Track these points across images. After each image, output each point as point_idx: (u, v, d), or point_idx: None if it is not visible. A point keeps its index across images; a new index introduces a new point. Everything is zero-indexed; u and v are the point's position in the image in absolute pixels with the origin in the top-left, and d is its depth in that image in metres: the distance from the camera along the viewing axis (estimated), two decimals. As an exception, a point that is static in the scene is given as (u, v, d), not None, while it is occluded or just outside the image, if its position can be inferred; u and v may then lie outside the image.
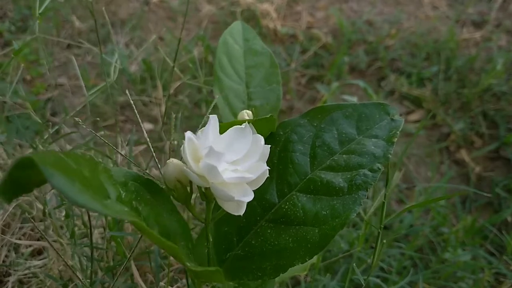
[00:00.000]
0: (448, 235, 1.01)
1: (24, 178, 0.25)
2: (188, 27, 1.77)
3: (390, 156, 0.41)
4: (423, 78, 1.47)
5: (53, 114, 1.39)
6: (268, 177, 0.44)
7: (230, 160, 0.35)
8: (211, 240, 0.41)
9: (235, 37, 0.57)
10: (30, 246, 0.88)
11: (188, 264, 0.30)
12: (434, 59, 1.52)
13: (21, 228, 0.90)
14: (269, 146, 0.36)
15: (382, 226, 0.44)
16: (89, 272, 0.68)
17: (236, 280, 0.42)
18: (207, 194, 0.37)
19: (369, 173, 0.41)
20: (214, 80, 0.53)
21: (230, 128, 0.36)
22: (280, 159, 0.44)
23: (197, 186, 0.37)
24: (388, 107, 0.44)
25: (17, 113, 1.28)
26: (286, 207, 0.42)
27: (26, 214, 0.91)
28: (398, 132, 0.42)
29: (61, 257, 0.46)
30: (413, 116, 1.40)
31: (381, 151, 0.41)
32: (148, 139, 0.45)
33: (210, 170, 0.32)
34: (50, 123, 0.75)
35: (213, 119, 0.34)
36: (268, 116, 0.40)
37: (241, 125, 0.36)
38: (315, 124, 0.45)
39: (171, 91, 1.40)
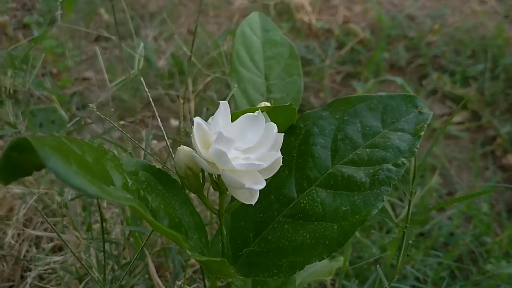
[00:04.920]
0: (491, 245, 0.98)
1: (22, 160, 0.26)
2: (219, 21, 1.79)
3: (416, 151, 0.40)
4: (467, 77, 1.43)
5: (79, 108, 1.43)
6: (286, 171, 0.45)
7: (241, 148, 0.35)
8: (225, 233, 0.41)
9: (253, 28, 0.57)
10: (50, 241, 0.91)
11: (190, 253, 0.30)
12: (480, 56, 1.48)
13: (42, 222, 0.93)
14: (283, 134, 0.36)
15: (407, 224, 0.43)
16: (105, 267, 0.70)
17: (251, 277, 0.42)
18: (219, 184, 0.37)
19: (393, 168, 0.40)
20: (231, 72, 0.54)
21: (242, 116, 0.36)
22: (300, 153, 0.45)
23: (209, 175, 0.38)
24: (416, 99, 0.43)
25: (42, 107, 1.32)
26: (305, 202, 0.42)
27: (39, 209, 0.94)
28: (425, 125, 0.41)
29: (69, 248, 0.47)
30: (456, 118, 1.36)
31: (406, 145, 0.41)
32: (164, 131, 0.46)
33: (219, 156, 0.32)
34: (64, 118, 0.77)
35: (223, 106, 0.35)
36: (287, 104, 0.40)
37: (253, 112, 0.36)
38: (338, 117, 0.45)
39: (200, 86, 1.42)
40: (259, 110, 0.37)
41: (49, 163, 0.25)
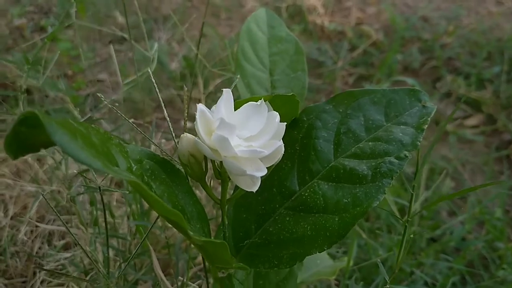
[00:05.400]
0: (504, 251, 0.96)
1: (30, 135, 0.27)
2: (231, 23, 1.80)
3: (419, 144, 0.41)
4: (483, 80, 1.42)
5: (92, 109, 1.46)
6: (289, 164, 0.45)
7: (244, 136, 0.36)
8: (226, 223, 0.42)
9: (259, 24, 0.58)
10: (62, 239, 0.93)
11: (191, 233, 0.31)
12: (496, 58, 1.47)
13: (55, 220, 0.95)
14: (285, 123, 0.36)
15: (409, 219, 0.43)
16: (111, 261, 0.71)
17: (252, 268, 0.42)
18: (221, 172, 0.38)
19: (395, 160, 0.40)
20: (236, 67, 0.54)
21: (245, 104, 0.37)
22: (303, 146, 0.45)
23: (212, 163, 0.38)
24: (420, 93, 0.44)
25: (57, 107, 1.35)
26: (306, 194, 0.43)
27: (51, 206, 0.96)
28: (429, 119, 0.42)
29: (75, 239, 0.49)
30: (471, 121, 1.35)
31: (409, 138, 0.41)
32: (171, 129, 0.47)
33: (221, 142, 0.33)
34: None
35: (226, 93, 0.36)
36: (289, 94, 0.41)
37: (257, 101, 0.37)
38: (341, 110, 0.45)
39: (211, 88, 1.43)
40: (262, 99, 0.37)
41: (55, 137, 0.26)
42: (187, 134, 0.37)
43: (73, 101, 1.42)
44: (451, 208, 1.11)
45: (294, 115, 0.47)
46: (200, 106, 0.35)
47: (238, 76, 0.51)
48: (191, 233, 0.31)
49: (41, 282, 0.82)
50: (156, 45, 0.90)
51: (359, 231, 0.89)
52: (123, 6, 0.79)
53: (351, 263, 0.73)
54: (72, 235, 0.57)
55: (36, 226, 0.94)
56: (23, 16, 1.85)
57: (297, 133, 0.46)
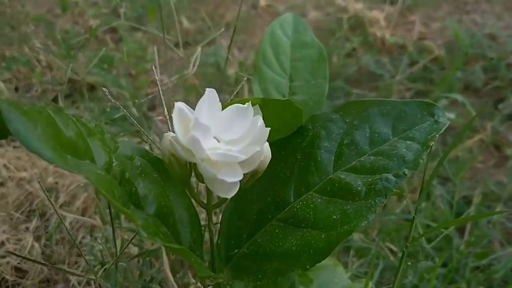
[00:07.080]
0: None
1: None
2: (292, 33, 1.79)
3: (421, 161, 0.36)
4: (552, 103, 1.29)
5: (150, 108, 1.50)
6: (288, 173, 0.43)
7: (225, 139, 0.34)
8: (212, 229, 0.40)
9: (285, 28, 0.55)
10: (105, 231, 0.96)
11: (143, 233, 0.29)
12: None
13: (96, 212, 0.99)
14: (269, 129, 0.34)
15: (408, 244, 0.39)
16: (116, 254, 0.71)
17: (237, 279, 0.40)
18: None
19: (392, 178, 0.36)
20: (254, 71, 0.52)
21: (230, 107, 0.35)
22: (304, 156, 0.42)
23: (194, 166, 0.37)
24: (434, 107, 0.39)
25: (117, 105, 1.40)
26: (298, 207, 0.40)
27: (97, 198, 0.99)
28: (437, 135, 0.37)
29: (68, 231, 0.49)
30: (536, 146, 1.23)
31: (412, 155, 0.37)
32: (169, 124, 0.46)
33: (194, 143, 0.31)
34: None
35: (209, 93, 0.34)
36: (284, 99, 0.38)
37: (243, 104, 0.35)
38: (348, 120, 0.42)
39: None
40: (250, 102, 0.35)
41: (11, 124, 0.25)
42: (170, 133, 0.35)
43: (132, 99, 1.47)
44: (500, 238, 1.01)
45: (299, 123, 0.44)
46: (179, 104, 0.33)
47: (246, 77, 0.50)
48: (144, 234, 0.29)
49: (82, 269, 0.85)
50: (199, 50, 0.91)
51: (387, 253, 0.83)
52: (159, 10, 0.80)
53: (374, 286, 0.68)
54: (63, 223, 0.58)
55: (81, 216, 0.98)
56: (98, 17, 1.95)
57: (301, 142, 0.43)
